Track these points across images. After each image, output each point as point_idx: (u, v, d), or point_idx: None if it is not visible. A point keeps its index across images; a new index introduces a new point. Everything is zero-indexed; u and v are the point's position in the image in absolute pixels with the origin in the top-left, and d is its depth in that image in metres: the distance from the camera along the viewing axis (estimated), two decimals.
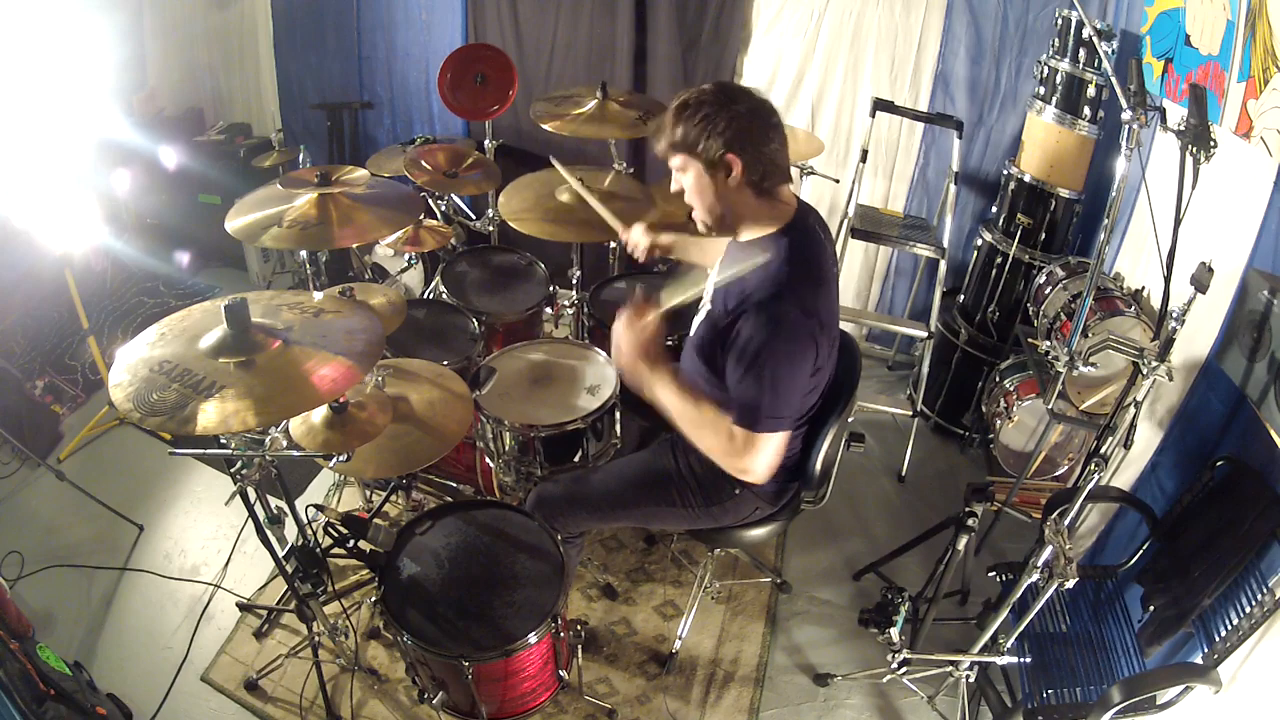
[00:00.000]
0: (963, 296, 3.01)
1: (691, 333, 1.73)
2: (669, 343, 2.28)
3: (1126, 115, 1.65)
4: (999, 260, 2.74)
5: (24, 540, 2.34)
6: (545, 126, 2.48)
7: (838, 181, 2.98)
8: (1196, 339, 1.97)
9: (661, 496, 1.79)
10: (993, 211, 2.88)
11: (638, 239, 1.97)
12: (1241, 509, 1.71)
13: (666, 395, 1.51)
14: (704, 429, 1.50)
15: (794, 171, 1.84)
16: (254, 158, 3.26)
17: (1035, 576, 1.66)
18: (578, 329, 2.70)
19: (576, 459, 1.97)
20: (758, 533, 1.87)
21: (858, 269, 3.34)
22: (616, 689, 2.13)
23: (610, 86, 2.58)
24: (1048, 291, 2.49)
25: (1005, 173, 2.75)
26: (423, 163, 2.53)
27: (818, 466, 1.74)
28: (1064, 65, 2.46)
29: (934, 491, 2.85)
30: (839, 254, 2.87)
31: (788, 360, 1.44)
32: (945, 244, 2.73)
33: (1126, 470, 2.29)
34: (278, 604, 2.24)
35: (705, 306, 1.65)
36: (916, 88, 2.93)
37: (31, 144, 2.63)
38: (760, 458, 1.48)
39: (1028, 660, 1.86)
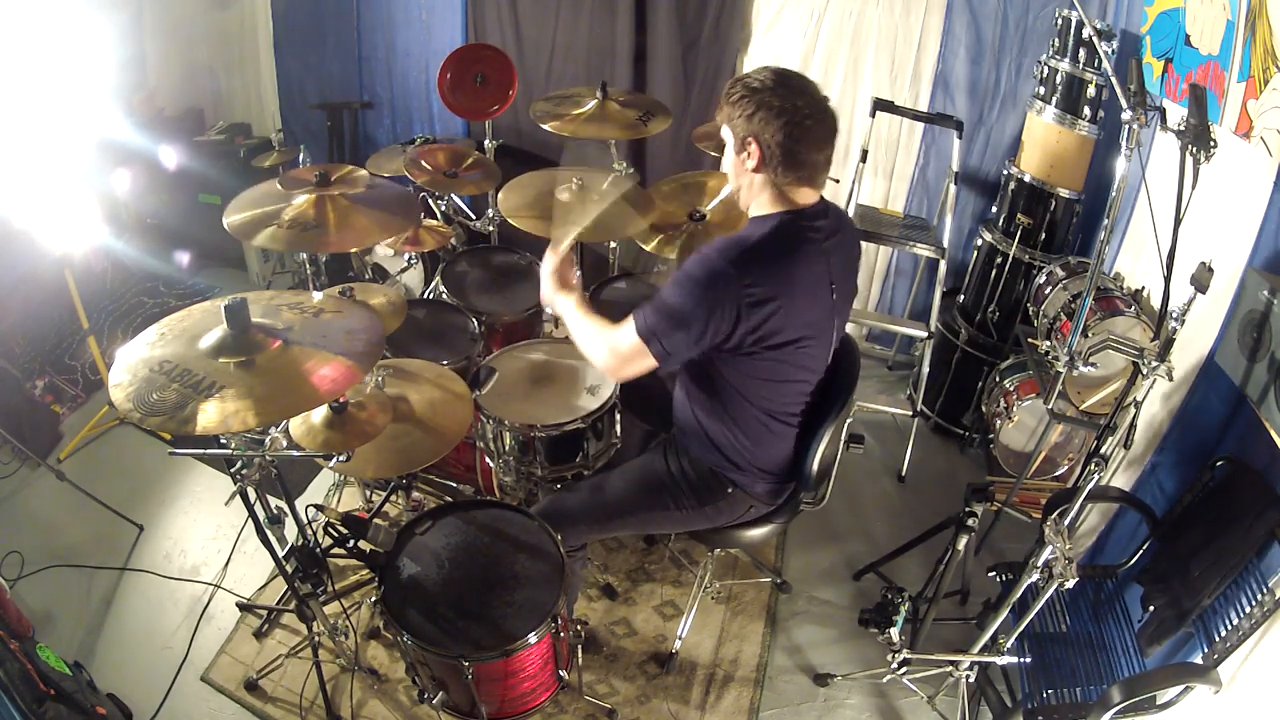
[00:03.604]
0: (963, 296, 3.01)
1: None
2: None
3: (1126, 115, 1.65)
4: (999, 260, 2.74)
5: (24, 540, 2.34)
6: (545, 126, 2.48)
7: (838, 181, 2.97)
8: (1196, 339, 1.97)
9: (656, 502, 1.79)
10: (993, 211, 2.88)
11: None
12: (1241, 509, 1.71)
13: (568, 307, 1.68)
14: (589, 332, 1.63)
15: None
16: (254, 158, 3.25)
17: (1035, 576, 1.65)
18: None
19: (577, 459, 1.97)
20: (757, 532, 1.87)
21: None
22: (616, 689, 2.13)
23: (610, 86, 2.57)
24: (1048, 291, 2.49)
25: (1005, 173, 2.75)
26: (423, 163, 2.53)
27: (814, 467, 1.73)
28: (1064, 65, 2.46)
29: (934, 491, 2.85)
30: None
31: (688, 298, 1.43)
32: (945, 244, 2.73)
33: (1126, 470, 2.29)
34: (278, 604, 2.24)
35: None
36: (916, 88, 2.94)
37: (31, 144, 2.63)
38: (627, 359, 1.54)
39: (1028, 660, 1.86)
